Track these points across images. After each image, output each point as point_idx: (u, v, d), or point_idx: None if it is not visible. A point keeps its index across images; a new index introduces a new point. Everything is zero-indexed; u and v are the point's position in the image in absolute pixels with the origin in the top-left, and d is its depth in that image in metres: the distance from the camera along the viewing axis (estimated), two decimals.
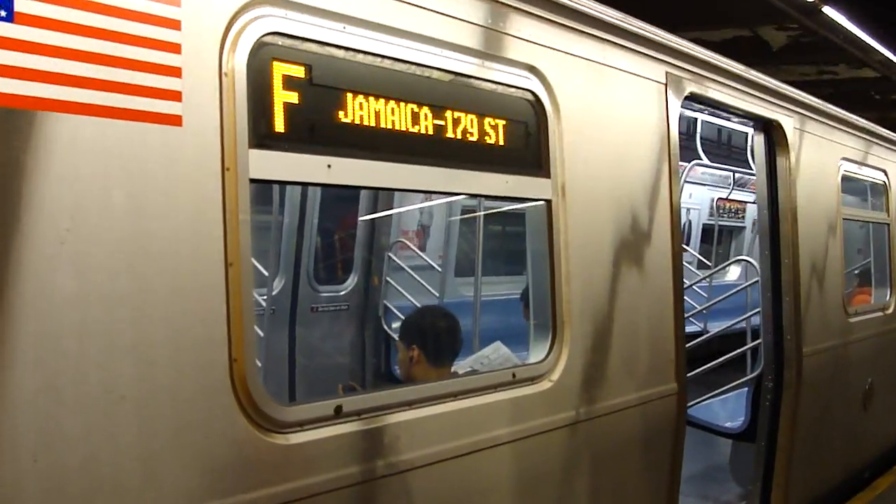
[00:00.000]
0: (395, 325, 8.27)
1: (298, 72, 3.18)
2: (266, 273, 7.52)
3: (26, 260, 2.41)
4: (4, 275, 2.37)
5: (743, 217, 18.94)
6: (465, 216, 10.35)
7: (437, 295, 9.27)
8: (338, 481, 3.22)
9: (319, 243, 8.51)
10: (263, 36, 3.05)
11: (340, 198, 8.77)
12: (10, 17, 2.36)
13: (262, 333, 7.00)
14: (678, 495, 5.40)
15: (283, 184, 6.48)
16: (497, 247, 12.00)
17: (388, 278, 8.74)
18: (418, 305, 8.10)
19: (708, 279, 14.45)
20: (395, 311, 8.48)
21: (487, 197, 5.28)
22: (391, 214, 8.92)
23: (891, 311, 9.50)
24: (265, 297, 7.50)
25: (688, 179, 13.64)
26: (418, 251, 9.86)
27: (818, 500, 7.64)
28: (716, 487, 8.25)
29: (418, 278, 9.00)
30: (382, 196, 8.53)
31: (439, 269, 9.82)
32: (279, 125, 3.11)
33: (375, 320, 8.61)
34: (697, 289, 13.91)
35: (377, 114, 3.45)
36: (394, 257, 8.92)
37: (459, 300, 9.60)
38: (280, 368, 7.66)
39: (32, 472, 2.41)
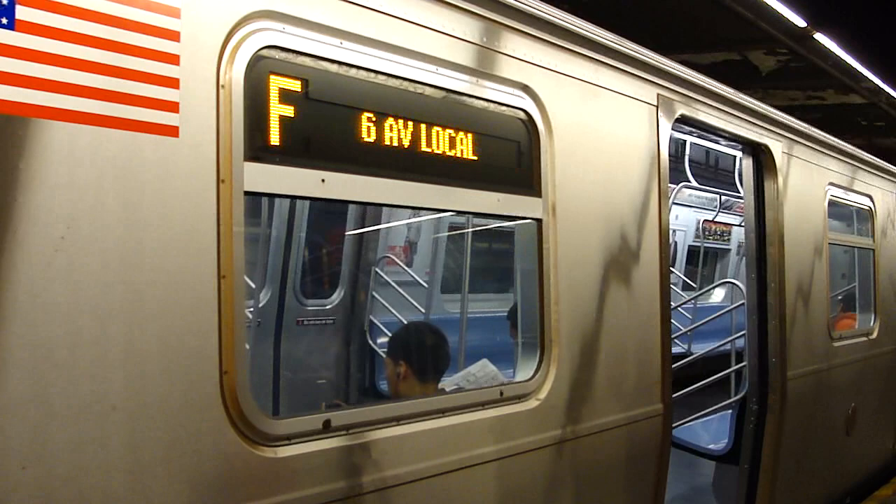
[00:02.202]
0: (381, 340, 8.26)
1: (295, 86, 3.19)
2: (253, 285, 7.52)
3: (20, 267, 2.41)
4: None
5: (728, 240, 19.00)
6: (453, 233, 10.36)
7: (423, 311, 9.26)
8: (325, 496, 3.21)
9: (306, 257, 8.49)
10: (261, 49, 3.06)
11: (328, 212, 8.76)
12: (12, 25, 2.37)
13: (247, 346, 6.97)
14: None
15: (277, 197, 6.48)
16: (484, 264, 12.00)
17: (375, 293, 8.73)
18: (404, 321, 8.09)
19: (693, 301, 14.48)
20: (380, 326, 8.47)
21: (478, 214, 5.29)
22: (379, 230, 8.91)
23: (874, 336, 9.54)
24: (251, 309, 7.49)
25: (675, 201, 13.68)
26: (405, 267, 9.85)
27: None
28: None
29: (404, 294, 8.99)
30: (370, 211, 8.53)
31: (426, 286, 9.81)
32: (275, 138, 3.11)
33: (361, 335, 8.59)
34: (682, 310, 13.94)
35: (372, 129, 3.46)
36: (380, 272, 8.91)
37: (445, 317, 9.60)
38: (264, 380, 7.64)
39: (20, 481, 2.40)
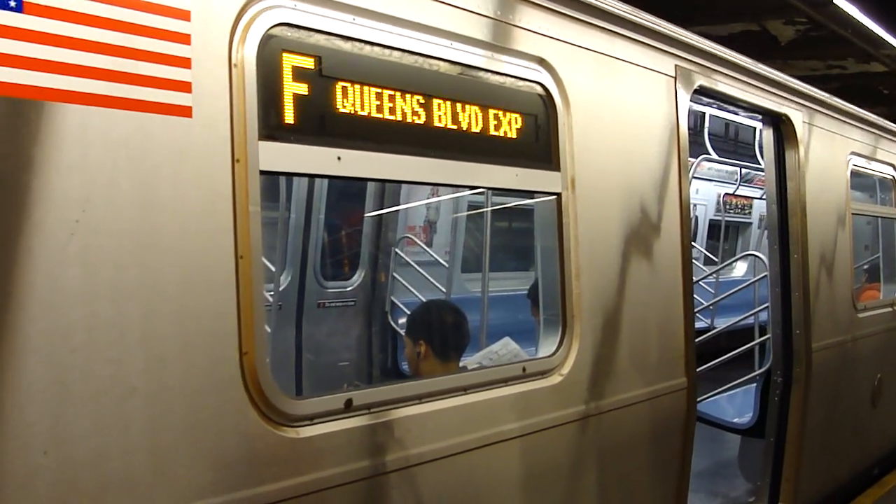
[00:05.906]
0: (402, 320, 8.25)
1: (308, 63, 3.16)
2: (273, 268, 7.52)
3: (37, 252, 2.39)
4: (14, 267, 2.36)
5: (749, 213, 18.87)
6: (472, 212, 10.32)
7: (444, 291, 9.24)
8: (348, 475, 3.20)
9: (326, 239, 8.48)
10: (273, 27, 3.03)
11: (347, 193, 8.74)
12: (20, 7, 2.34)
13: (269, 329, 6.98)
14: (687, 491, 5.37)
15: (292, 175, 6.46)
16: (503, 243, 11.95)
17: (395, 274, 8.71)
18: (425, 301, 8.07)
19: (715, 275, 14.41)
20: (401, 306, 8.45)
21: (497, 190, 5.26)
22: (398, 210, 8.88)
23: None
24: (272, 293, 7.49)
25: (695, 175, 13.60)
26: (425, 247, 9.82)
27: (827, 496, 7.62)
28: (725, 483, 8.25)
29: (425, 274, 8.97)
30: (389, 191, 8.50)
31: (446, 265, 9.78)
32: (289, 117, 3.09)
33: (382, 316, 8.59)
34: (704, 285, 13.86)
35: (387, 106, 3.43)
36: (400, 253, 8.89)
37: (466, 296, 9.57)
38: (287, 363, 7.65)
39: (43, 466, 2.39)
